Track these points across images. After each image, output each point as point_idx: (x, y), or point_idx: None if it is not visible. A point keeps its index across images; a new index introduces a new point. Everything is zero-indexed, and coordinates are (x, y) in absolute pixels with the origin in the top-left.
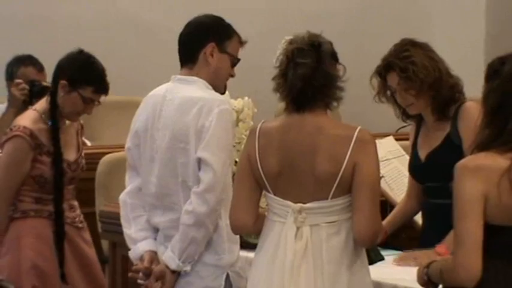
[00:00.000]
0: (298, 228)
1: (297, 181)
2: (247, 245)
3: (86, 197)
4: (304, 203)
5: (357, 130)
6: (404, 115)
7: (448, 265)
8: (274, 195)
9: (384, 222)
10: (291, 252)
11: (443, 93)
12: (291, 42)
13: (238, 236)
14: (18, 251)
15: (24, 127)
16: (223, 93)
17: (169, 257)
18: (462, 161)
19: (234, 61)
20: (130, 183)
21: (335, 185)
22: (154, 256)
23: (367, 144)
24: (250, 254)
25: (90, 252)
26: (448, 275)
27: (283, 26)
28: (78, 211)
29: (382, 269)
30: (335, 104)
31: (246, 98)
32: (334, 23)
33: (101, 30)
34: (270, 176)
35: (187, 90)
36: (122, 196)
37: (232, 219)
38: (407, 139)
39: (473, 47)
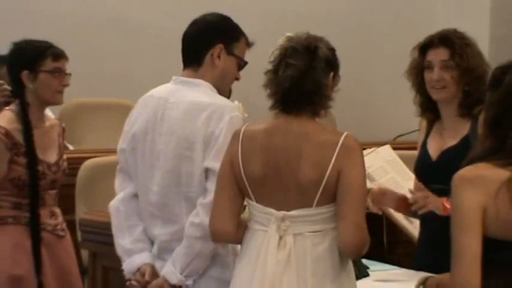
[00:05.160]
0: (281, 237)
1: (280, 188)
2: None
3: (66, 204)
4: (287, 211)
5: (343, 136)
6: (424, 106)
7: (445, 281)
8: (257, 202)
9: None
10: (272, 262)
11: (480, 92)
12: (288, 39)
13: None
14: None
15: (0, 127)
16: (228, 97)
17: (170, 271)
18: (461, 171)
19: (241, 64)
20: (123, 188)
21: (319, 192)
22: (154, 270)
23: (353, 150)
24: None
25: (70, 262)
26: None
27: (276, 29)
28: (60, 219)
29: (373, 284)
30: (322, 112)
31: (236, 102)
32: (335, 27)
33: (85, 29)
34: (253, 181)
35: (194, 94)
36: (114, 203)
37: (213, 228)
38: (404, 148)
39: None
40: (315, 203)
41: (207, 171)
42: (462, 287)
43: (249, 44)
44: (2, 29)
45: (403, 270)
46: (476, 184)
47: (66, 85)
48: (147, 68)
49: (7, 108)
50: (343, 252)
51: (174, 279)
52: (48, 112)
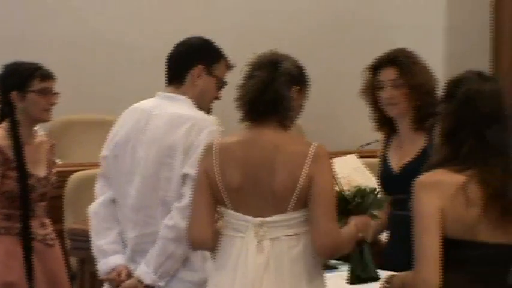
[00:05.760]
0: (259, 241)
1: (257, 195)
2: None
3: (55, 215)
4: (264, 217)
5: (312, 146)
6: (379, 122)
7: (409, 279)
8: (233, 210)
9: None
10: (252, 266)
11: (431, 106)
12: (257, 56)
13: (208, 254)
14: None
15: None
16: (208, 114)
17: (144, 272)
18: (420, 177)
19: (220, 84)
20: (102, 193)
21: (293, 199)
22: (128, 271)
23: (322, 159)
24: None
25: (59, 269)
26: None
27: (250, 45)
28: (49, 229)
29: (342, 283)
30: (288, 123)
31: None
32: (301, 44)
33: (73, 50)
34: (231, 190)
35: (175, 107)
36: (94, 207)
37: (192, 236)
38: (369, 156)
39: (432, 67)
40: (289, 208)
41: (184, 177)
42: (424, 283)
43: (229, 66)
44: None
45: None
46: (434, 188)
47: (53, 104)
48: (131, 87)
49: None
50: (318, 255)
51: (148, 279)
52: (38, 129)
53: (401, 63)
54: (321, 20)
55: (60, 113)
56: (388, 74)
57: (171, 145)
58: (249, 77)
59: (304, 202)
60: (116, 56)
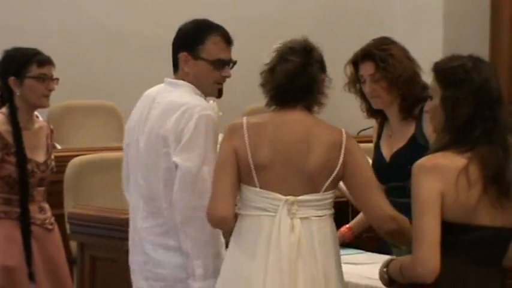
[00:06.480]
0: (290, 220)
1: (288, 173)
2: None
3: (55, 199)
4: (295, 196)
5: (343, 130)
6: (369, 111)
7: (407, 262)
8: (262, 188)
9: (352, 222)
10: (286, 244)
11: (414, 93)
12: (285, 42)
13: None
14: None
15: None
16: (218, 97)
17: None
18: (419, 161)
19: (216, 64)
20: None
21: (329, 180)
22: None
23: (353, 140)
24: None
25: (59, 254)
26: (407, 272)
27: (247, 32)
28: (48, 213)
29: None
30: (316, 108)
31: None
32: (298, 31)
33: (70, 37)
34: (260, 167)
35: (175, 95)
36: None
37: (216, 213)
38: (368, 141)
39: (432, 53)
40: (323, 189)
41: (176, 166)
42: (422, 265)
43: (226, 40)
44: None
45: (368, 254)
46: (434, 172)
47: (51, 89)
48: (129, 73)
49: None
50: (383, 226)
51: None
52: (37, 115)
53: (376, 57)
54: (319, 6)
55: (59, 99)
56: (367, 69)
57: (164, 135)
58: (283, 61)
59: (336, 184)
60: (115, 43)
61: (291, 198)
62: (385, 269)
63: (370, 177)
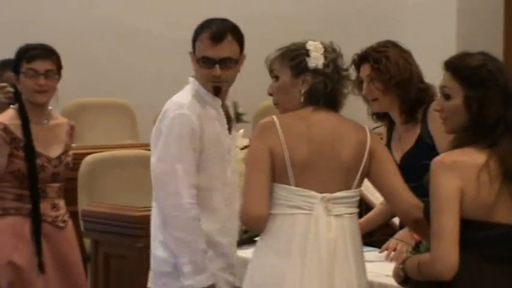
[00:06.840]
0: (327, 217)
1: (323, 170)
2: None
3: (69, 197)
4: (330, 193)
5: (365, 126)
6: (375, 115)
7: (425, 259)
8: (297, 186)
9: (362, 220)
10: (325, 242)
11: (411, 95)
12: (330, 49)
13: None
14: None
15: None
16: (215, 95)
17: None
18: (438, 157)
19: (201, 61)
20: None
21: (358, 175)
22: None
23: (375, 136)
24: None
25: (71, 251)
26: (425, 269)
27: (248, 30)
28: (62, 211)
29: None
30: (339, 108)
31: (241, 130)
32: (306, 29)
33: (82, 34)
34: (296, 165)
35: (178, 94)
36: None
37: (250, 212)
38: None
39: (445, 49)
40: (354, 185)
41: None
42: (441, 261)
43: (212, 37)
44: (7, 36)
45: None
46: (453, 169)
47: (41, 85)
48: (142, 71)
49: (12, 106)
50: (409, 215)
51: None
52: (55, 112)
53: (372, 58)
54: (331, 2)
55: (73, 97)
56: (364, 71)
57: (153, 136)
58: (337, 73)
59: (363, 180)
60: (127, 40)
61: (327, 195)
62: (401, 266)
63: (394, 169)
